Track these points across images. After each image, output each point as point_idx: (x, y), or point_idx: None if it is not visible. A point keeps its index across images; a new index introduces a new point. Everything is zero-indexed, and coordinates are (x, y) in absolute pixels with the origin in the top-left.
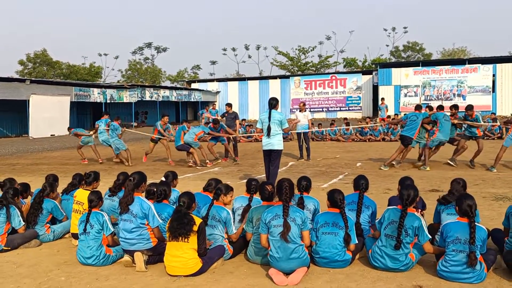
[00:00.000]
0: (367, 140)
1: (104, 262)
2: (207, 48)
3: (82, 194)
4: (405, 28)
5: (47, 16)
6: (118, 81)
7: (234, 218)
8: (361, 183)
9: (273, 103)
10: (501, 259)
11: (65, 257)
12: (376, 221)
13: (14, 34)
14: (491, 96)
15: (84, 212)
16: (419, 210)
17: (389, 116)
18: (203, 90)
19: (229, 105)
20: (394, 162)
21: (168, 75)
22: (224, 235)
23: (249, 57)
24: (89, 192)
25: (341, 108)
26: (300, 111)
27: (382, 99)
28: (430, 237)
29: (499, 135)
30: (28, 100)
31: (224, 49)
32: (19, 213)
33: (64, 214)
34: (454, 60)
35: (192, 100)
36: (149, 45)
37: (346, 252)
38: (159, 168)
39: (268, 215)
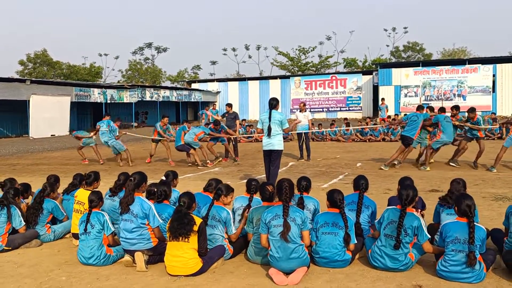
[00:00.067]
0: (367, 140)
1: (104, 262)
2: (207, 48)
3: (83, 194)
4: (405, 28)
5: (47, 16)
6: (118, 81)
7: (234, 218)
8: (361, 183)
9: (273, 103)
10: (501, 259)
11: (65, 257)
12: (376, 221)
13: (14, 34)
14: (491, 96)
15: (85, 212)
16: (419, 210)
17: (389, 116)
18: (203, 90)
19: (229, 105)
20: (395, 162)
21: (168, 75)
22: (224, 235)
23: (249, 57)
24: (90, 192)
25: (341, 108)
26: (300, 111)
27: (382, 99)
28: (430, 236)
29: (499, 135)
30: (29, 100)
31: (224, 49)
32: (19, 213)
33: (65, 214)
34: (454, 60)
35: (193, 100)
36: (149, 45)
37: (346, 252)
38: (159, 168)
39: (268, 215)
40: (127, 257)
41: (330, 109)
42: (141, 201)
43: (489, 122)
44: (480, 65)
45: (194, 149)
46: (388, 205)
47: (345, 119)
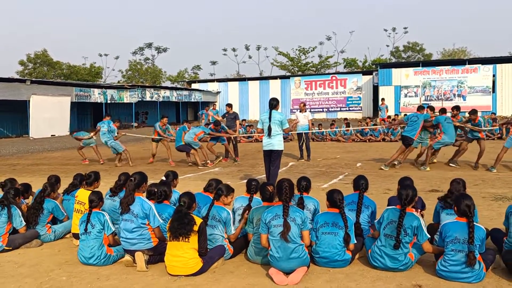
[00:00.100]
0: (367, 141)
1: (105, 262)
2: (207, 48)
3: (83, 194)
4: (405, 28)
5: (47, 16)
6: (118, 82)
7: (234, 218)
8: (361, 183)
9: (273, 104)
10: (500, 259)
11: (66, 257)
12: (375, 221)
13: (14, 34)
14: (491, 96)
15: (85, 212)
16: (419, 210)
17: (389, 117)
18: (203, 90)
19: (229, 105)
20: (395, 162)
21: (169, 75)
22: (224, 235)
23: (250, 57)
24: (90, 192)
25: (342, 109)
26: (300, 111)
27: (383, 99)
28: (429, 236)
29: (499, 135)
30: (29, 101)
31: (225, 50)
32: (20, 213)
33: (65, 214)
34: (454, 61)
35: (193, 100)
36: (149, 45)
37: (345, 252)
38: (159, 168)
39: (268, 215)
40: (127, 257)
41: (330, 109)
42: (141, 201)
43: (489, 122)
44: (480, 65)
45: (195, 149)
46: (388, 205)
47: (345, 119)
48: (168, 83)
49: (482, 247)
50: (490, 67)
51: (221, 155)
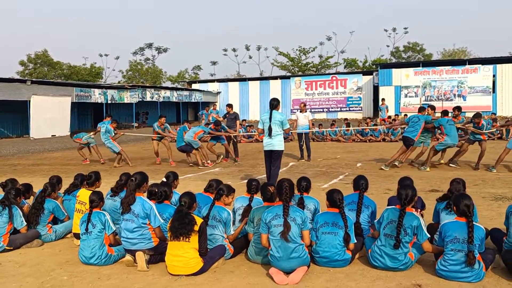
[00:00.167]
0: (367, 141)
1: (106, 262)
2: (207, 49)
3: (85, 194)
4: (405, 28)
5: (47, 16)
6: (119, 82)
7: (234, 218)
8: (361, 183)
9: (274, 104)
10: (500, 259)
11: (67, 256)
12: (375, 221)
13: (14, 34)
14: (491, 96)
15: (86, 212)
16: (419, 210)
17: (389, 117)
18: (203, 90)
19: (229, 105)
20: (396, 162)
21: (169, 75)
22: (224, 235)
23: (250, 57)
24: (91, 192)
25: (342, 109)
26: (300, 111)
27: (383, 99)
28: (429, 236)
29: (499, 135)
30: (29, 101)
31: (225, 50)
32: (21, 214)
33: (66, 214)
34: (454, 61)
35: (193, 100)
36: (149, 45)
37: (345, 251)
38: (160, 168)
39: (268, 215)
40: (128, 257)
41: (330, 109)
42: (142, 201)
43: (489, 122)
44: (480, 65)
45: (196, 149)
46: (388, 205)
47: (346, 119)
48: (168, 83)
49: (482, 247)
50: (490, 67)
51: (222, 154)
